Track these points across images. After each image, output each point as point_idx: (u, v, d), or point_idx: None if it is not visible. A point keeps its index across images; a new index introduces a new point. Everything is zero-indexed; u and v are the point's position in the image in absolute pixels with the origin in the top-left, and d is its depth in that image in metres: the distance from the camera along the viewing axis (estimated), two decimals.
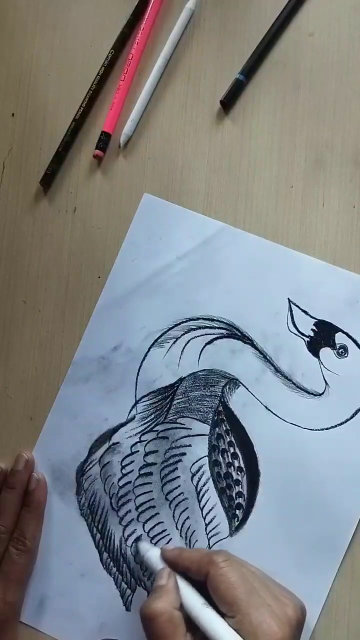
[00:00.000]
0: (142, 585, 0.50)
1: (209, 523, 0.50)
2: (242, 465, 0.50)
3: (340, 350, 0.51)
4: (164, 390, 0.52)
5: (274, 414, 0.50)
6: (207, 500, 0.50)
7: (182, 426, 0.51)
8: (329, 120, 0.53)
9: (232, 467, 0.50)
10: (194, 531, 0.50)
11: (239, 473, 0.50)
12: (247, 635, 0.41)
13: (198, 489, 0.50)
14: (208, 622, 0.42)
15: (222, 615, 0.42)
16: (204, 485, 0.50)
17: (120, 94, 0.54)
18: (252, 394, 0.51)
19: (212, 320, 0.52)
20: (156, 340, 0.52)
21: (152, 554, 0.47)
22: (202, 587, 0.44)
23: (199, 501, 0.50)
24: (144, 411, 0.52)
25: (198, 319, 0.52)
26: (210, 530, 0.50)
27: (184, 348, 0.52)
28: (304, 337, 0.51)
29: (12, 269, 0.55)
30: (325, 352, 0.51)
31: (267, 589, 0.44)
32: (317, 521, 0.49)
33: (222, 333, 0.52)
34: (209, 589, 0.43)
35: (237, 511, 0.50)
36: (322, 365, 0.51)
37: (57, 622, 0.50)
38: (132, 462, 0.51)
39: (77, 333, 0.53)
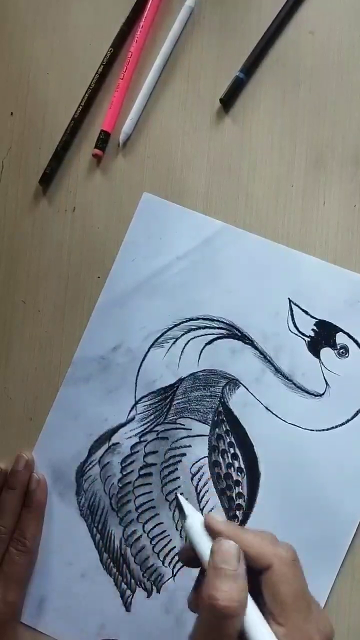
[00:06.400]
0: (142, 585, 0.50)
1: None
2: (242, 466, 0.50)
3: (341, 351, 0.50)
4: (164, 391, 0.52)
5: (274, 414, 0.50)
6: (207, 501, 0.50)
7: (182, 427, 0.51)
8: (329, 118, 0.53)
9: (232, 468, 0.50)
10: None
11: (239, 474, 0.50)
12: None
13: (198, 490, 0.50)
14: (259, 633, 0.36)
15: (268, 613, 0.37)
16: (204, 486, 0.50)
17: (119, 92, 0.54)
18: (252, 394, 0.51)
19: (212, 320, 0.52)
20: (156, 341, 0.52)
21: (194, 521, 0.40)
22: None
23: (199, 502, 0.50)
24: (144, 411, 0.52)
25: (198, 319, 0.52)
26: None
27: (183, 348, 0.52)
28: (304, 337, 0.51)
29: (12, 269, 0.54)
30: (326, 352, 0.51)
31: (314, 601, 0.39)
32: (318, 522, 0.49)
33: (222, 333, 0.52)
34: (266, 583, 0.37)
35: (237, 512, 0.50)
36: (322, 366, 0.50)
37: (57, 623, 0.50)
38: (132, 462, 0.51)
39: (77, 333, 0.53)
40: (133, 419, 0.52)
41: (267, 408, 0.50)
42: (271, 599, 0.37)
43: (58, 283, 0.54)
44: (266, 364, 0.51)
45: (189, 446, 0.51)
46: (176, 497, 0.42)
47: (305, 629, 0.37)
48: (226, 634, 0.35)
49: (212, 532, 0.39)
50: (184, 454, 0.51)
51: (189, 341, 0.52)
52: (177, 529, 0.50)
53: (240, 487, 0.50)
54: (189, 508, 0.41)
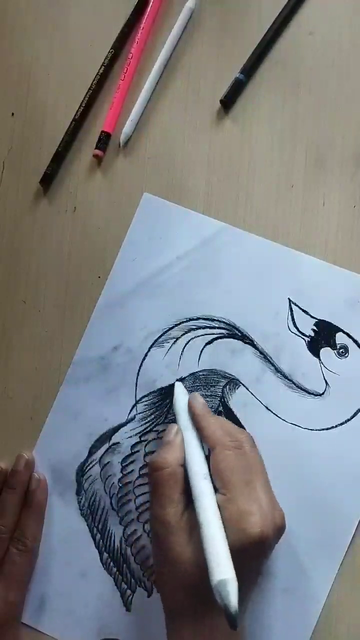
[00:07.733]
0: (142, 585, 0.50)
1: None
2: None
3: (341, 350, 0.51)
4: (164, 390, 0.52)
5: (274, 414, 0.50)
6: None
7: None
8: (329, 119, 0.53)
9: None
10: None
11: None
12: (229, 517, 0.42)
13: None
14: (200, 494, 0.42)
15: (216, 490, 0.43)
16: None
17: (120, 93, 0.54)
18: (252, 394, 0.51)
19: (212, 320, 0.52)
20: (156, 341, 0.52)
21: (181, 400, 0.49)
22: None
23: None
24: (144, 411, 0.52)
25: (198, 319, 0.52)
26: None
27: (184, 348, 0.52)
28: (304, 337, 0.51)
29: (12, 269, 0.54)
30: (326, 352, 0.51)
31: (268, 490, 0.45)
32: (318, 521, 0.49)
33: (222, 333, 0.52)
34: (211, 461, 0.44)
35: None
36: (322, 365, 0.51)
37: (57, 622, 0.50)
38: (132, 462, 0.51)
39: (77, 333, 0.53)
40: (133, 418, 0.52)
41: (267, 408, 0.51)
42: (215, 475, 0.44)
43: (58, 283, 0.54)
44: (266, 363, 0.51)
45: None
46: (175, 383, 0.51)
47: (243, 501, 0.42)
48: (158, 484, 0.44)
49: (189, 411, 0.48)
50: None
51: (189, 341, 0.52)
52: None
53: None
54: (180, 390, 0.50)
